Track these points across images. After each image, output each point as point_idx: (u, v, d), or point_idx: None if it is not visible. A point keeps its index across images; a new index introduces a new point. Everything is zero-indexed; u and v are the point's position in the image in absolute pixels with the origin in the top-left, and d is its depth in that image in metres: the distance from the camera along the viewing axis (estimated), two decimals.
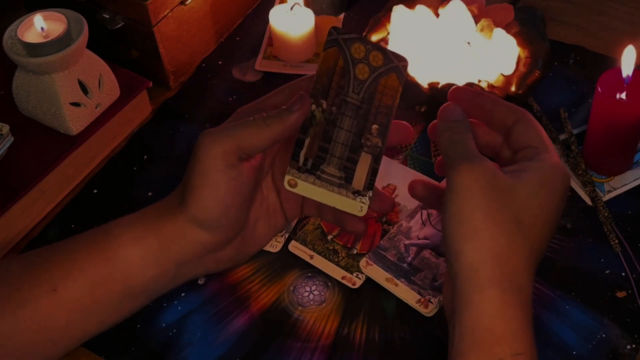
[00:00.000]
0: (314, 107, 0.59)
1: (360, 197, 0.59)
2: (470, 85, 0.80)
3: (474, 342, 0.53)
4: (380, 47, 0.61)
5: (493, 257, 0.53)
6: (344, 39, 0.60)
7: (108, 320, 0.61)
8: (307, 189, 0.58)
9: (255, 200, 0.63)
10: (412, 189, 0.63)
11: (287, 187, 0.58)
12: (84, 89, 0.81)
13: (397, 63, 0.61)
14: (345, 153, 0.59)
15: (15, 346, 0.59)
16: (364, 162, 0.59)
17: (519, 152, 0.59)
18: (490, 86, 0.82)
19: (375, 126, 0.60)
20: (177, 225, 0.59)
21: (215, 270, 0.64)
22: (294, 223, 0.77)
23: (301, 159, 0.58)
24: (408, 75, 0.83)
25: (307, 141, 0.58)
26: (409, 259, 0.73)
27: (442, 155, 0.58)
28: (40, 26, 0.78)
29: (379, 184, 0.62)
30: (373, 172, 0.59)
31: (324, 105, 0.59)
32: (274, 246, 0.76)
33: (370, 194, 0.59)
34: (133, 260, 0.59)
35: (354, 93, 0.59)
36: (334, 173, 0.59)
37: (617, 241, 0.74)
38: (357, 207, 0.59)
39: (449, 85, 0.80)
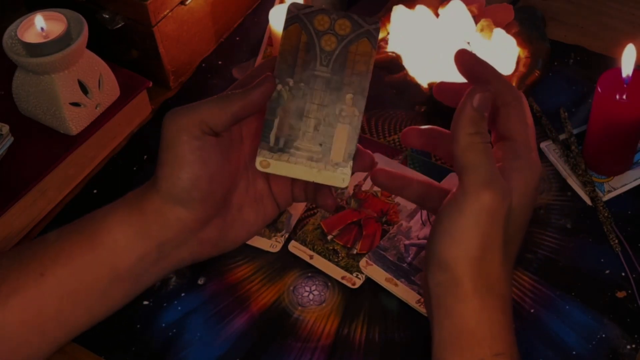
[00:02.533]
0: (279, 86, 0.58)
1: (341, 168, 0.58)
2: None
3: (455, 345, 0.54)
4: (346, 14, 0.59)
5: (479, 271, 0.54)
6: (305, 14, 0.59)
7: (97, 309, 0.62)
8: (281, 167, 0.58)
9: (239, 185, 0.64)
10: (375, 177, 0.63)
11: (259, 168, 0.59)
12: (84, 89, 0.81)
13: (367, 27, 0.59)
14: (319, 127, 0.59)
15: (5, 338, 0.59)
16: (341, 134, 0.59)
17: (501, 145, 0.58)
18: None
19: (349, 95, 0.58)
20: (155, 204, 0.60)
21: (201, 255, 0.64)
22: (293, 223, 0.77)
23: (272, 140, 0.58)
24: (408, 74, 0.83)
25: (276, 121, 0.58)
26: (409, 259, 0.73)
27: (456, 157, 0.55)
28: (40, 26, 0.78)
29: None
30: (352, 142, 0.58)
31: (291, 84, 0.59)
32: (274, 246, 0.76)
33: (351, 164, 0.58)
34: (118, 241, 0.60)
35: (322, 66, 0.59)
36: (310, 148, 0.58)
37: (617, 241, 0.74)
38: (339, 178, 0.58)
39: None
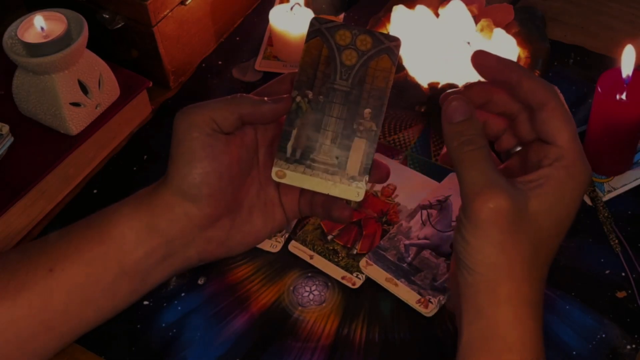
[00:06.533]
0: (299, 98, 0.59)
1: (356, 182, 0.59)
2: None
3: (484, 348, 0.54)
4: (368, 31, 0.60)
5: (510, 279, 0.53)
6: (327, 28, 0.59)
7: (104, 306, 0.62)
8: (297, 178, 0.59)
9: (250, 188, 0.64)
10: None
11: (275, 178, 0.59)
12: (84, 89, 0.81)
13: (388, 44, 0.60)
14: (336, 140, 0.59)
15: (13, 334, 0.59)
16: (357, 148, 0.59)
17: (541, 150, 0.56)
18: None
19: (367, 110, 0.59)
20: (165, 199, 0.61)
21: (208, 255, 0.64)
22: (293, 223, 0.77)
23: (289, 150, 0.59)
24: (408, 74, 0.83)
25: (294, 132, 0.59)
26: (409, 259, 0.73)
27: (455, 170, 0.55)
28: (40, 26, 0.78)
29: None
30: (368, 156, 0.59)
31: (310, 96, 0.59)
32: (274, 246, 0.76)
33: (367, 179, 0.59)
34: (126, 235, 0.61)
35: (342, 79, 0.59)
36: (326, 161, 0.59)
37: (617, 241, 0.74)
38: (354, 192, 0.59)
39: (449, 85, 0.80)
